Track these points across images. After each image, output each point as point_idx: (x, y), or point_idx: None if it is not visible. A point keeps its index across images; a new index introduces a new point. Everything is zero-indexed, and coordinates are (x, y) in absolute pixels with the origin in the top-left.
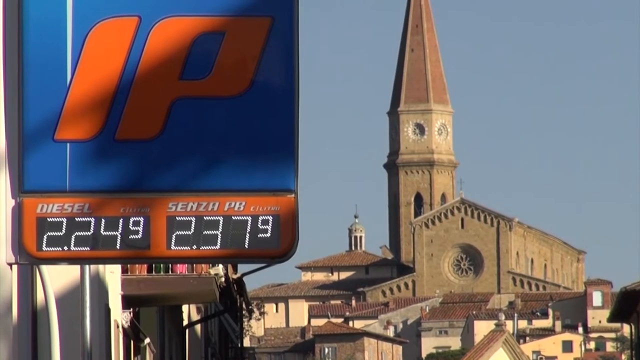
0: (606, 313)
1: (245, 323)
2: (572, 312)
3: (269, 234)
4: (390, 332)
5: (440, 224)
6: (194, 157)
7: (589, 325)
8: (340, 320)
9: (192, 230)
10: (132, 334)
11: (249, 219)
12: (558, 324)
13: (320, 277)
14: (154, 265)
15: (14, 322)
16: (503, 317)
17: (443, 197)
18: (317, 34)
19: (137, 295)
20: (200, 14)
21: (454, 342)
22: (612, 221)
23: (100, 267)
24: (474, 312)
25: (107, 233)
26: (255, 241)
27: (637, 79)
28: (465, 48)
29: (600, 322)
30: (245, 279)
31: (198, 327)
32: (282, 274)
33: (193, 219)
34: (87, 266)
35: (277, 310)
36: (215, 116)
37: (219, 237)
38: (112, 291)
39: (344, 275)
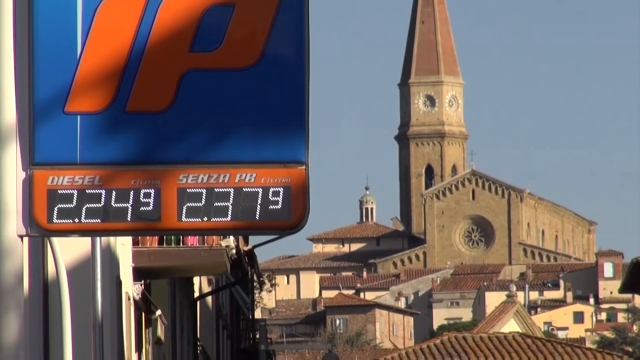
0: (617, 284)
1: (257, 295)
2: (584, 283)
3: (279, 206)
4: (402, 304)
5: (451, 196)
6: (204, 129)
7: (600, 296)
8: (351, 291)
9: (203, 202)
10: (144, 306)
11: (260, 190)
12: (569, 295)
13: (331, 248)
14: (164, 237)
15: (25, 295)
16: (514, 288)
17: (454, 169)
18: (328, 5)
19: (148, 268)
20: None
21: (465, 314)
22: (624, 192)
23: (111, 239)
24: (485, 284)
25: (118, 205)
26: (266, 213)
27: None
28: (476, 20)
29: (611, 293)
30: (256, 250)
31: (209, 299)
32: (293, 246)
33: (204, 191)
34: (98, 238)
35: (288, 282)
36: (226, 88)
37: (230, 209)
38: (123, 263)
39: (355, 247)
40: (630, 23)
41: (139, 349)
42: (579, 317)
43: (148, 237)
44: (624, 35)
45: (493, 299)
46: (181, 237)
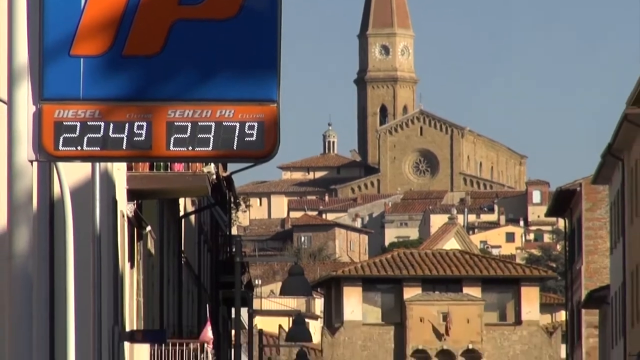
0: (544, 209)
1: (233, 214)
2: (515, 208)
3: (254, 138)
4: (358, 224)
5: (402, 132)
6: (190, 71)
7: (529, 219)
8: (315, 213)
9: (188, 134)
10: (136, 222)
11: (237, 124)
12: (502, 218)
13: (298, 175)
14: (155, 164)
15: (34, 212)
16: (455, 212)
17: (405, 109)
18: None
19: (140, 190)
20: None
21: (413, 233)
22: (551, 129)
23: (109, 164)
24: (430, 207)
25: (115, 135)
26: (243, 144)
27: None
28: None
29: (538, 216)
30: (233, 176)
31: (192, 217)
32: (265, 173)
33: (189, 124)
34: (97, 164)
35: (260, 204)
36: (209, 36)
37: (212, 140)
38: (118, 186)
39: (318, 174)
40: None
41: (131, 259)
42: (510, 237)
43: (140, 163)
44: None
45: (437, 221)
46: (169, 163)
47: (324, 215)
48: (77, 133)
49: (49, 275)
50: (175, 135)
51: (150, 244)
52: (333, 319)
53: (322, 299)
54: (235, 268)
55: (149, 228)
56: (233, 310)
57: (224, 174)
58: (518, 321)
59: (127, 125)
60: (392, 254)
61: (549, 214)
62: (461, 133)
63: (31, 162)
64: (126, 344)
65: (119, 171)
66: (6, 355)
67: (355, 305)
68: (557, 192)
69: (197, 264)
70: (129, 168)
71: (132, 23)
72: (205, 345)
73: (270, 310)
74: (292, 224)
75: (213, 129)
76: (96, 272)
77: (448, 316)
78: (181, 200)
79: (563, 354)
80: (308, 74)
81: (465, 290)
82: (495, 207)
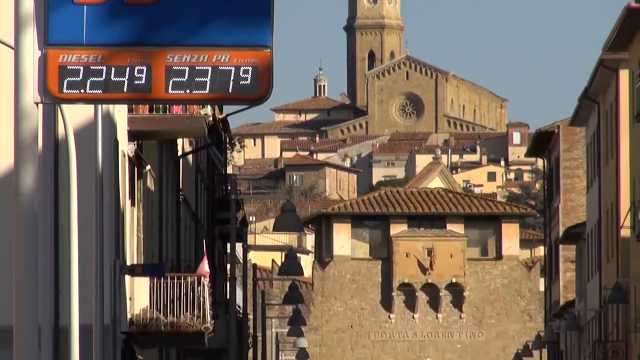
0: (524, 149)
1: (229, 154)
2: (496, 149)
3: (249, 82)
4: (347, 164)
5: (389, 76)
6: (188, 18)
7: (510, 159)
8: (306, 153)
9: (186, 78)
10: (136, 162)
11: (233, 69)
12: (484, 158)
13: (290, 117)
14: (154, 106)
15: (39, 151)
16: (439, 152)
17: (392, 54)
18: None
19: (141, 131)
20: None
21: (399, 172)
22: (530, 74)
23: (110, 107)
24: (416, 148)
25: (117, 79)
26: (238, 87)
27: None
28: None
29: (519, 157)
30: (229, 118)
31: (190, 157)
32: (259, 115)
33: (187, 69)
34: (99, 106)
35: (254, 145)
36: None
37: (208, 83)
38: (120, 127)
39: (310, 116)
40: None
41: (132, 197)
42: (492, 176)
43: (140, 106)
44: None
45: (422, 161)
46: (168, 106)
47: (314, 156)
48: (81, 77)
49: (54, 212)
50: (174, 79)
51: (150, 183)
52: (323, 253)
53: (313, 235)
54: (231, 205)
55: (148, 167)
56: (228, 245)
57: (220, 116)
58: (499, 256)
59: (128, 69)
60: (380, 192)
61: (528, 154)
62: (445, 77)
63: (37, 104)
64: (127, 277)
65: (120, 113)
66: (14, 289)
67: (344, 240)
68: (536, 134)
69: (194, 201)
70: (130, 110)
71: None
72: (202, 278)
73: (264, 245)
74: (284, 164)
75: (210, 73)
76: (98, 209)
77: (432, 251)
78: (179, 141)
79: (541, 287)
80: (301, 21)
81: (449, 226)
82: (478, 148)
